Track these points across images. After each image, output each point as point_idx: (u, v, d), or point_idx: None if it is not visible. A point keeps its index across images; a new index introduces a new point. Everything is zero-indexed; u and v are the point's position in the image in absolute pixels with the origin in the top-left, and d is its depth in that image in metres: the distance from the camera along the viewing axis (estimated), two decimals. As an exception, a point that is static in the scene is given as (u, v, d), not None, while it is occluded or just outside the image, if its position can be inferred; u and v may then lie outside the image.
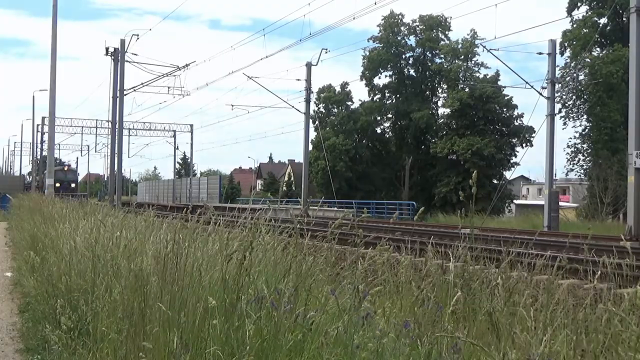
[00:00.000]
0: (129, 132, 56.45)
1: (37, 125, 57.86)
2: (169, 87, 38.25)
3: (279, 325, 3.33)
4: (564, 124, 44.82)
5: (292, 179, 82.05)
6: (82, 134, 64.40)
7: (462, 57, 57.77)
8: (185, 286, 3.86)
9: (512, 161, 54.96)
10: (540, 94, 30.10)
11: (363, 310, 3.29)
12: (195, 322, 3.53)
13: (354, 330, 3.23)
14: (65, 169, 71.84)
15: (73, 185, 69.49)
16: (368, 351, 3.05)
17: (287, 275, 3.92)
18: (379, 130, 64.28)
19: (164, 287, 3.86)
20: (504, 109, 55.81)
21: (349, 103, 63.45)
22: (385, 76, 62.97)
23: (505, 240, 10.92)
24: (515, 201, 59.79)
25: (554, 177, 32.78)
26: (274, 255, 4.77)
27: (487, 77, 56.31)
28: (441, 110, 60.89)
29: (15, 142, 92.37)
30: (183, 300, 3.75)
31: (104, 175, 73.23)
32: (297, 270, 3.91)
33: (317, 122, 58.36)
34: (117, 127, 36.14)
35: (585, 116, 44.71)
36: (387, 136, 64.51)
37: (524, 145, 52.75)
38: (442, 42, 60.55)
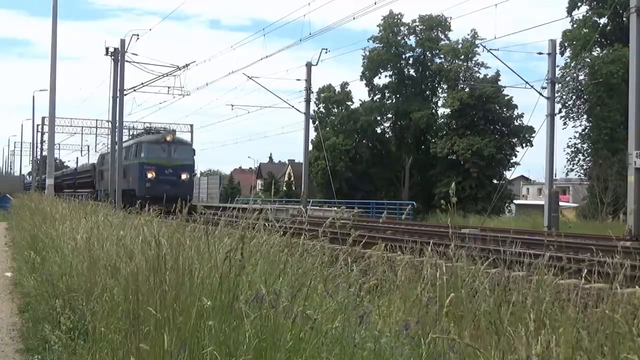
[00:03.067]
0: (129, 132, 56.44)
1: (37, 125, 57.89)
2: (169, 87, 38.21)
3: (277, 325, 3.33)
4: (564, 124, 44.83)
5: (292, 179, 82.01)
6: (82, 134, 64.36)
7: (462, 57, 57.75)
8: (179, 286, 3.86)
9: (512, 161, 54.98)
10: (540, 94, 30.10)
11: (360, 309, 3.30)
12: (191, 322, 3.53)
13: (351, 329, 3.23)
14: (168, 138, 34.38)
15: (184, 176, 32.84)
16: (367, 350, 3.06)
17: (283, 275, 3.92)
18: (379, 130, 64.28)
19: (157, 288, 3.86)
20: (504, 109, 55.79)
21: (349, 103, 63.45)
22: (385, 76, 63.01)
23: (503, 240, 10.91)
24: (515, 201, 59.77)
25: (554, 177, 32.77)
26: (271, 255, 4.77)
27: (487, 77, 56.31)
28: (441, 110, 60.92)
29: (15, 142, 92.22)
30: (178, 300, 3.75)
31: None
32: (293, 270, 3.91)
33: (317, 122, 58.34)
34: (117, 127, 36.14)
35: (585, 116, 44.69)
36: (387, 136, 64.50)
37: (524, 145, 52.74)
38: (442, 42, 60.55)
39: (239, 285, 3.72)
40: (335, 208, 4.84)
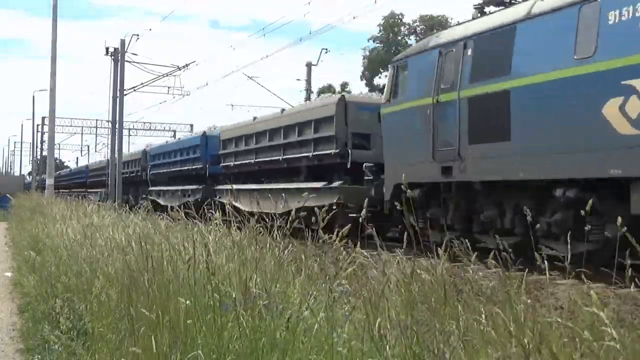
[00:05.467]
0: (129, 132, 56.56)
1: (37, 125, 57.97)
2: (168, 87, 38.27)
3: (266, 325, 3.38)
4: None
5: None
6: (82, 134, 64.64)
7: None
8: (166, 286, 3.91)
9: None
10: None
11: (346, 308, 3.35)
12: (180, 323, 3.57)
13: (338, 328, 3.28)
14: None
15: None
16: (352, 350, 3.11)
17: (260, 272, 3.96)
18: (379, 130, 63.95)
19: (149, 288, 3.91)
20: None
21: (349, 103, 63.15)
22: (386, 76, 62.96)
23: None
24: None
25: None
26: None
27: (487, 77, 56.24)
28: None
29: (15, 142, 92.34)
30: (166, 302, 3.80)
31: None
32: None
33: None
34: (117, 127, 36.16)
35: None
36: (388, 136, 64.26)
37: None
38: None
39: (220, 284, 3.77)
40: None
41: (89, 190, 46.21)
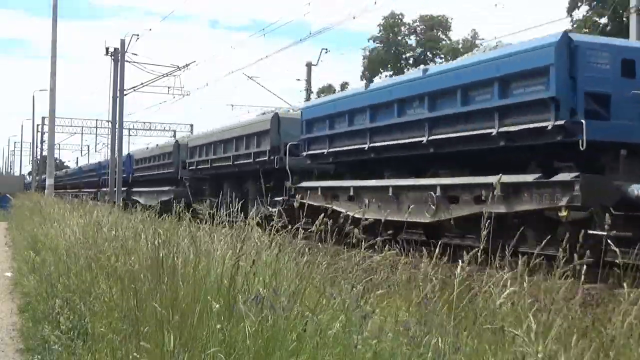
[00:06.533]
0: (129, 132, 56.58)
1: (37, 125, 58.02)
2: (168, 87, 38.29)
3: (278, 326, 3.32)
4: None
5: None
6: (82, 134, 64.79)
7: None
8: (180, 286, 3.85)
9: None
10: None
11: (361, 310, 3.29)
12: (192, 323, 3.52)
13: (352, 330, 3.23)
14: None
15: None
16: (367, 351, 3.06)
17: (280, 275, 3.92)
18: (379, 130, 63.90)
19: (158, 287, 3.85)
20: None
21: (349, 103, 63.11)
22: (386, 76, 62.97)
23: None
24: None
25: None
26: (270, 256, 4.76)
27: (488, 77, 56.19)
28: (442, 111, 60.72)
29: (15, 142, 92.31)
30: (179, 301, 3.74)
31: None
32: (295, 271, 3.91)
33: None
34: (117, 127, 36.14)
35: (585, 116, 44.59)
36: (388, 136, 64.19)
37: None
38: (443, 42, 60.58)
39: (239, 286, 3.71)
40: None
41: (132, 189, 34.94)
